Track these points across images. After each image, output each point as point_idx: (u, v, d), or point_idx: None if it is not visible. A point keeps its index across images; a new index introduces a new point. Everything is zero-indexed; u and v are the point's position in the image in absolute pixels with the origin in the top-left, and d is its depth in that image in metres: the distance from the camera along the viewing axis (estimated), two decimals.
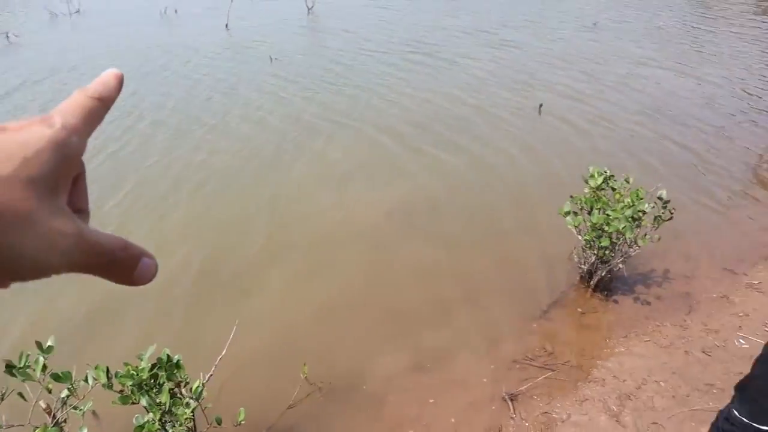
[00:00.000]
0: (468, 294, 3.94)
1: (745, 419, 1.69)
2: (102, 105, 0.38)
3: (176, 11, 13.83)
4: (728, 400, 3.16)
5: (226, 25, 12.12)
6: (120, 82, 0.40)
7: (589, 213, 3.46)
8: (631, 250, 3.50)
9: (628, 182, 3.58)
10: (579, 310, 3.74)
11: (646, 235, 3.39)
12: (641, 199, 3.28)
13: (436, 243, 4.49)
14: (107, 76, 0.39)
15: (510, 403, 3.04)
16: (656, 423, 2.89)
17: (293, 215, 4.92)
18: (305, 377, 3.12)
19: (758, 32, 11.09)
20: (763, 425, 1.64)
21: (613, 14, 12.96)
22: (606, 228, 3.22)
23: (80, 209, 0.39)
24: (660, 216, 3.39)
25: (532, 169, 5.72)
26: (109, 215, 4.84)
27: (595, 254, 3.50)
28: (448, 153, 6.07)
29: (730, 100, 7.63)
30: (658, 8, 13.45)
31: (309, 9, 13.62)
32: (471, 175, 5.62)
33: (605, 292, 3.83)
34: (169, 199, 5.18)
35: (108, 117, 0.40)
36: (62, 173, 0.34)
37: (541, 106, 7.17)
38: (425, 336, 3.56)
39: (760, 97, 7.72)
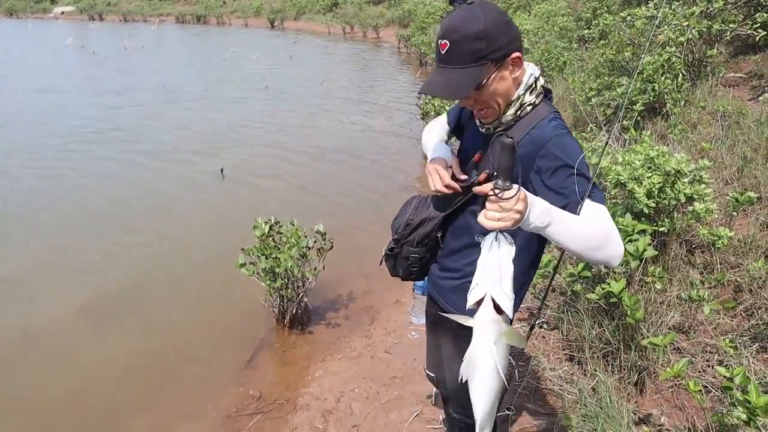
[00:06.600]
0: (176, 369, 3.88)
1: None
2: None
3: None
4: (408, 386, 3.74)
5: None
6: None
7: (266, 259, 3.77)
8: (308, 283, 3.92)
9: (293, 224, 4.02)
10: (281, 349, 4.01)
11: (315, 268, 3.85)
12: (301, 237, 3.72)
13: (134, 329, 4.32)
14: None
15: None
16: (356, 426, 3.27)
17: None
18: None
19: None
20: None
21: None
22: (277, 270, 3.56)
23: None
24: (322, 247, 3.89)
25: (220, 231, 5.93)
26: None
27: (278, 295, 3.82)
28: (135, 236, 5.89)
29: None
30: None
31: None
32: (161, 254, 5.54)
33: (300, 326, 4.19)
34: None
35: None
36: None
37: (222, 170, 7.48)
38: (137, 425, 3.40)
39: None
